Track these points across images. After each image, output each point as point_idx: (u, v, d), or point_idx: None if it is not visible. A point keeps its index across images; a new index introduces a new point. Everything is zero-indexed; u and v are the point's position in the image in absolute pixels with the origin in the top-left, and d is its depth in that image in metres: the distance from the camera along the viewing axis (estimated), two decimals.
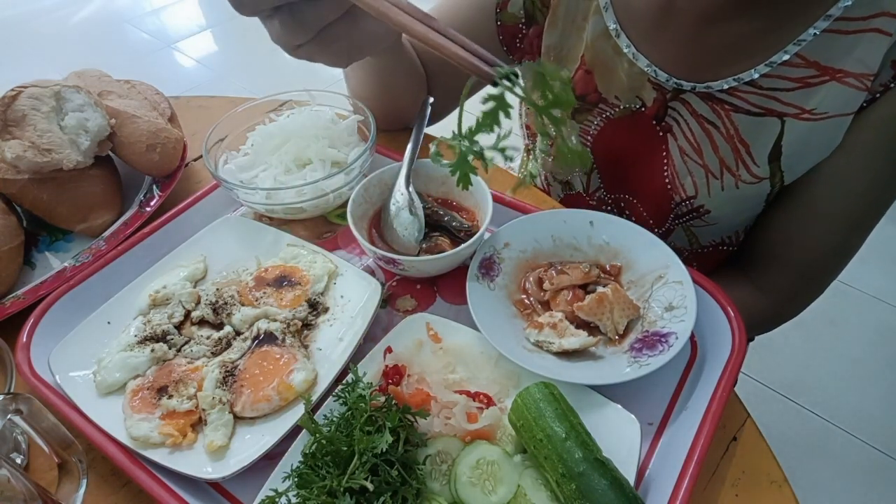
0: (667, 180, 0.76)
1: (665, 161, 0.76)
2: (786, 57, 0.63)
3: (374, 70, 0.83)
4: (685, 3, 0.67)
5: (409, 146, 0.77)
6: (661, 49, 0.71)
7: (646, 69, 0.71)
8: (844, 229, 0.72)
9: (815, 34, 0.62)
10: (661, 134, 0.75)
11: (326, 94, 0.88)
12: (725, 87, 0.67)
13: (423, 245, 0.71)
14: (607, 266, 0.68)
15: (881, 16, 0.59)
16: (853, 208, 0.70)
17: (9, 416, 0.51)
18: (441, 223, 0.73)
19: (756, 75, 0.65)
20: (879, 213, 0.71)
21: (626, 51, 0.72)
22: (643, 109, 0.74)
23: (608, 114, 0.78)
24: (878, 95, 0.62)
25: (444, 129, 0.85)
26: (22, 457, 0.59)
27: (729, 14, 0.65)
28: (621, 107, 0.76)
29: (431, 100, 0.83)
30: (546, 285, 0.68)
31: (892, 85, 0.61)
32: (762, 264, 0.79)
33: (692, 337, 0.63)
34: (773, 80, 0.65)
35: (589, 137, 0.81)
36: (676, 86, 0.70)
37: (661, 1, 0.69)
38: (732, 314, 0.63)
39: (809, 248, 0.74)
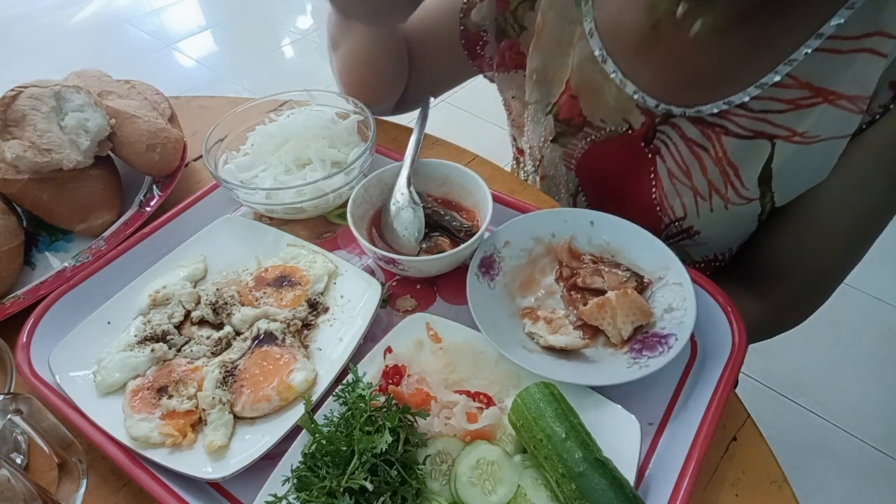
0: (655, 202, 0.75)
1: (653, 182, 0.75)
2: (777, 78, 0.62)
3: (367, 42, 0.85)
4: (668, 28, 0.66)
5: (410, 146, 0.77)
6: (649, 72, 0.69)
7: (634, 96, 0.70)
8: (846, 246, 0.71)
9: (806, 54, 0.60)
10: (649, 156, 0.74)
11: (326, 94, 0.88)
12: (716, 110, 0.66)
13: (423, 245, 0.71)
14: (644, 280, 0.67)
15: (875, 35, 0.57)
16: (855, 227, 0.69)
17: (9, 416, 0.51)
18: (441, 223, 0.73)
19: (747, 98, 0.64)
20: (880, 230, 0.70)
21: (612, 76, 0.71)
22: (630, 132, 0.73)
23: (593, 136, 0.76)
24: (877, 117, 0.61)
25: (444, 128, 0.85)
26: (22, 457, 0.59)
27: (713, 36, 0.63)
28: (607, 129, 0.75)
29: (432, 100, 0.83)
30: (579, 281, 0.68)
31: (892, 106, 0.60)
32: (761, 274, 0.78)
33: (692, 337, 0.63)
34: (764, 102, 0.63)
35: (573, 161, 0.80)
36: (666, 111, 0.69)
37: (644, 26, 0.68)
38: (732, 314, 0.63)
39: (810, 263, 0.73)
